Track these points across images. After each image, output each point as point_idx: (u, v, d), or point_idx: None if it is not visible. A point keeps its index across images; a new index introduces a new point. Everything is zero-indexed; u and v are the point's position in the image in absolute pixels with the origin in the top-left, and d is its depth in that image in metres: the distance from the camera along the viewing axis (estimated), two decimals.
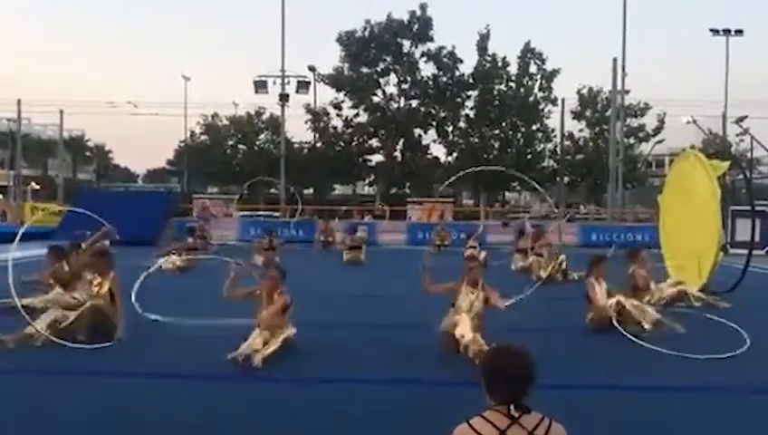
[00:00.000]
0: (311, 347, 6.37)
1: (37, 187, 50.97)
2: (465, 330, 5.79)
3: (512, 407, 2.29)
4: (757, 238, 15.69)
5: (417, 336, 6.65)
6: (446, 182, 13.22)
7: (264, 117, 42.72)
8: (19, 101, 39.34)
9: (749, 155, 43.26)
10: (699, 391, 5.29)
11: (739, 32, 37.28)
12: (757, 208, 16.45)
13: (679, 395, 5.16)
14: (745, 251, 10.82)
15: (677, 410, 4.79)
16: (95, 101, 56.05)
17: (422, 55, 37.77)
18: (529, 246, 13.70)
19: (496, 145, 37.86)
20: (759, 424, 4.55)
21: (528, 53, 37.10)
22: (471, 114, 37.94)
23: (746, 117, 38.19)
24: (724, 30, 37.14)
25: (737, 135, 42.21)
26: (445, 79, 37.51)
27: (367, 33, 37.39)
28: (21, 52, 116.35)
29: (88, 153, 61.66)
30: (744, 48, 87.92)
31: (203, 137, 43.51)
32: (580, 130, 39.01)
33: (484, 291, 6.29)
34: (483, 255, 13.16)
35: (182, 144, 45.53)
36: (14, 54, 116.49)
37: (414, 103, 38.30)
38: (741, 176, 21.89)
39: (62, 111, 42.97)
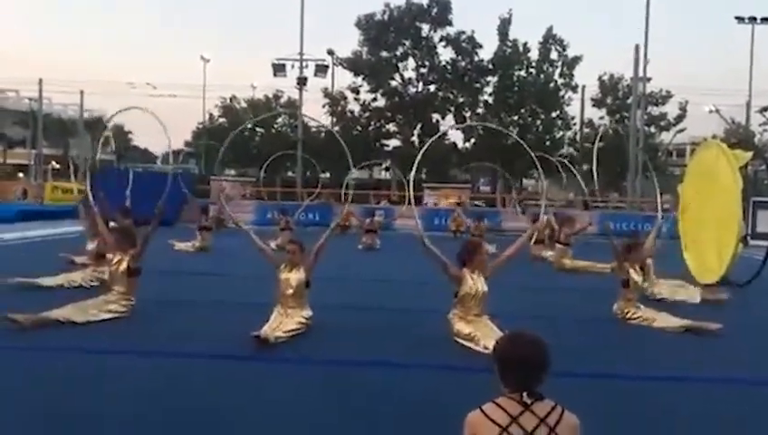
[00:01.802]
0: (324, 329, 6.40)
1: (57, 166, 51.49)
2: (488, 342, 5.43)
3: (524, 394, 2.31)
4: None
5: (430, 321, 6.65)
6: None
7: (282, 100, 42.71)
8: (40, 81, 39.71)
9: None
10: (711, 382, 5.25)
11: (765, 20, 36.53)
12: None
13: (689, 386, 5.13)
14: (766, 243, 10.69)
15: (685, 399, 4.76)
16: (115, 82, 56.20)
17: (441, 40, 37.49)
18: (547, 235, 13.61)
19: (515, 131, 37.58)
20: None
21: (550, 39, 36.63)
22: (490, 100, 37.64)
23: None
24: (749, 18, 36.41)
25: (760, 125, 41.57)
26: (463, 64, 37.22)
27: (386, 17, 37.17)
28: (41, 32, 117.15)
29: (108, 133, 62.08)
30: None
31: (221, 119, 43.62)
32: (601, 118, 38.60)
33: (487, 271, 6.29)
34: (492, 248, 12.83)
35: (200, 126, 45.71)
36: (35, 34, 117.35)
37: (432, 88, 38.06)
38: (763, 167, 21.60)
39: (82, 92, 43.33)
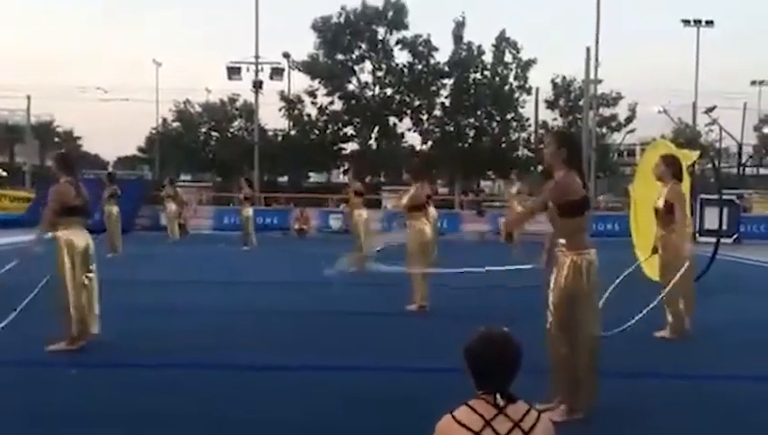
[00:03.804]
0: (285, 335, 6.36)
1: (4, 173, 49.84)
2: None
3: (497, 395, 2.23)
4: (725, 227, 16.05)
5: (394, 323, 6.68)
6: None
7: (238, 104, 42.21)
8: None
9: (718, 145, 44.07)
10: (649, 376, 5.40)
11: (710, 23, 37.80)
12: (725, 197, 16.82)
13: (634, 381, 5.26)
14: (713, 239, 11.03)
15: (631, 396, 4.88)
16: (64, 86, 54.63)
17: (397, 43, 37.64)
18: None
19: (471, 134, 38.00)
20: (708, 409, 4.66)
21: (503, 42, 37.16)
22: (446, 102, 37.97)
23: (715, 107, 38.81)
24: (695, 20, 37.63)
25: (706, 125, 42.93)
26: (420, 67, 37.44)
27: (342, 20, 37.12)
28: None
29: (56, 139, 60.47)
30: (715, 39, 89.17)
31: (175, 124, 42.87)
32: (554, 120, 39.30)
33: None
34: None
35: (154, 131, 44.82)
36: None
37: (389, 91, 38.16)
38: (710, 165, 22.34)
39: (29, 97, 42.02)
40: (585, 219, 4.38)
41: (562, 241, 4.27)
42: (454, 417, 2.23)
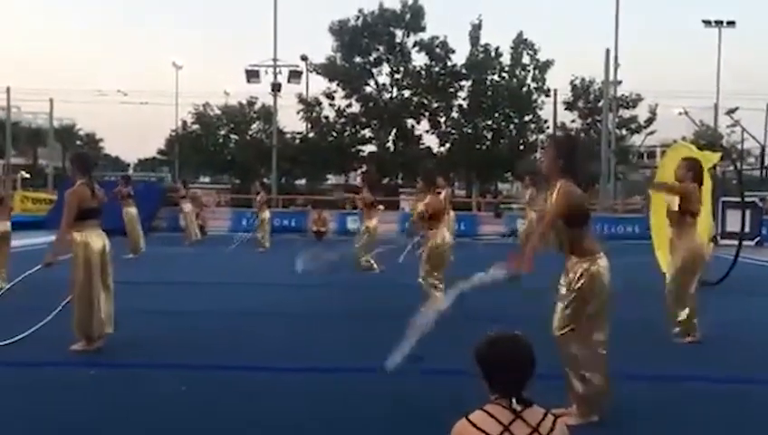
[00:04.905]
0: (295, 337, 6.36)
1: (27, 175, 50.60)
2: None
3: (513, 400, 2.19)
4: (747, 229, 15.81)
5: (406, 326, 6.63)
6: None
7: (256, 107, 42.48)
8: (8, 89, 38.96)
9: (740, 146, 43.50)
10: (660, 379, 5.32)
11: (731, 23, 37.30)
12: (747, 199, 16.56)
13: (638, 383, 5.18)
14: (735, 242, 10.88)
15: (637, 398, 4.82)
16: (85, 90, 55.46)
17: (414, 45, 37.69)
18: None
19: (489, 136, 37.89)
20: (725, 411, 4.59)
21: (521, 44, 37.05)
22: (464, 104, 37.90)
23: (737, 108, 38.32)
24: (716, 21, 37.15)
25: (728, 126, 42.37)
26: (437, 69, 37.43)
27: (359, 23, 37.25)
28: (9, 38, 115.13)
29: (78, 142, 61.35)
30: (737, 40, 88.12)
31: (194, 126, 43.22)
32: (572, 121, 39.04)
33: None
34: None
35: (173, 133, 45.24)
36: (2, 41, 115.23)
37: (406, 93, 38.21)
38: (731, 167, 22.04)
39: (51, 100, 42.58)
40: (589, 225, 4.34)
41: (571, 250, 4.20)
42: (470, 421, 2.18)
